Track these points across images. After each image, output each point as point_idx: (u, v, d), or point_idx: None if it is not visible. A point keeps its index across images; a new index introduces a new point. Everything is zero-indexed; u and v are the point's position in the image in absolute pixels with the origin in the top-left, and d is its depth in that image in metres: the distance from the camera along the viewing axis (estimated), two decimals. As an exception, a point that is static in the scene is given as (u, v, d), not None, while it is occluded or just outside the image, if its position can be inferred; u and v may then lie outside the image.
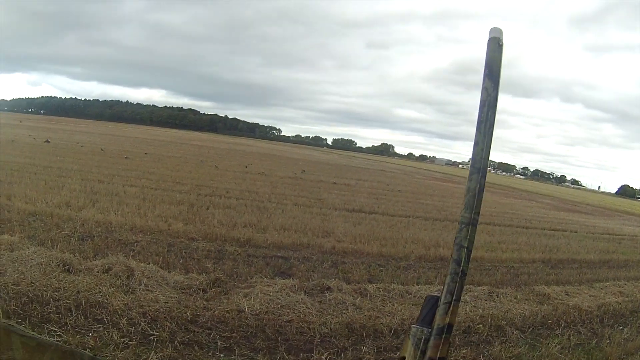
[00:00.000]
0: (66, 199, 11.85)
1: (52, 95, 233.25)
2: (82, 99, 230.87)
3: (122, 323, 5.15)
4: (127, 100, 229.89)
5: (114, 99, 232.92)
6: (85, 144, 34.81)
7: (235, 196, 16.11)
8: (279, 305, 5.94)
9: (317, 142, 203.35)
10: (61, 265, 6.46)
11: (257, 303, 5.96)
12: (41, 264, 6.34)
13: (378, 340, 5.35)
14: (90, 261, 7.03)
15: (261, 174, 25.77)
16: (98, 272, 6.50)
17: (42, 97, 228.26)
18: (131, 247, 8.51)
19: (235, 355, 4.82)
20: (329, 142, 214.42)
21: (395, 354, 4.76)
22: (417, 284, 7.78)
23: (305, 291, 6.50)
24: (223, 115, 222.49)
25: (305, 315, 5.71)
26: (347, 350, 5.05)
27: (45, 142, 32.36)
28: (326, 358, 4.78)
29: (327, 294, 6.43)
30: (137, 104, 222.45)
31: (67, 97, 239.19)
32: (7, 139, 28.72)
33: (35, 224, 9.19)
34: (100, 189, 14.27)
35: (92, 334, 4.86)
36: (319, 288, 6.66)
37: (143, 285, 6.34)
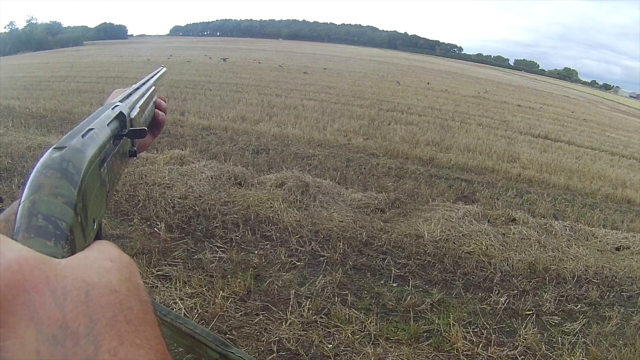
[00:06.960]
0: (242, 113, 12.38)
1: (227, 18, 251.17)
2: (258, 19, 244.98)
3: (292, 241, 5.06)
4: (303, 19, 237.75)
5: (291, 19, 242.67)
6: (263, 61, 36.26)
7: (418, 112, 16.14)
8: (460, 234, 5.62)
9: (498, 62, 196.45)
10: (232, 178, 6.58)
11: (438, 229, 5.66)
12: (211, 178, 6.48)
13: (560, 286, 4.85)
14: (264, 175, 7.10)
15: (443, 91, 25.60)
16: (271, 186, 6.51)
17: (217, 20, 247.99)
18: (308, 161, 8.59)
19: (408, 286, 4.56)
20: (511, 62, 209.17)
21: (576, 306, 4.47)
22: (604, 227, 6.83)
23: (489, 220, 6.16)
24: (402, 32, 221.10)
25: (487, 248, 5.37)
26: (527, 294, 4.63)
27: (222, 59, 34.32)
28: (505, 301, 4.38)
29: (511, 227, 6.00)
30: (314, 22, 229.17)
31: (243, 18, 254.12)
32: (183, 60, 31.11)
33: (208, 138, 9.68)
34: (277, 103, 14.77)
35: (257, 252, 4.82)
36: (503, 218, 6.30)
37: (318, 201, 6.23)
